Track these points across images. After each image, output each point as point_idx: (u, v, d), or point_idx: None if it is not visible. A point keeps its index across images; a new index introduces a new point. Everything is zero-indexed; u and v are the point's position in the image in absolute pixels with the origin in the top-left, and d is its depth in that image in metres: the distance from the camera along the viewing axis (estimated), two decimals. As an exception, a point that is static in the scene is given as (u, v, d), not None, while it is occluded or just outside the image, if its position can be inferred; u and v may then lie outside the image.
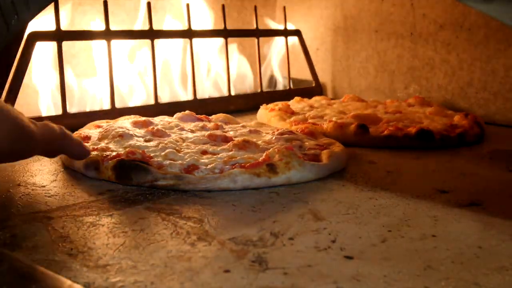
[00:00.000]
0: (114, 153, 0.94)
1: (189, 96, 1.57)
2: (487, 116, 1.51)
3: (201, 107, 1.47)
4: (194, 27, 1.53)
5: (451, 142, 1.21)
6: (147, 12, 1.41)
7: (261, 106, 1.47)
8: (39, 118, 1.22)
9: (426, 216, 0.78)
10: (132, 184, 0.88)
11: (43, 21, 1.27)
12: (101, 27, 1.34)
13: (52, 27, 1.24)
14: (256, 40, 1.69)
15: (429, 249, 0.67)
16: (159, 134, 1.07)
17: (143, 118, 1.17)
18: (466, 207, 0.82)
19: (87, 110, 1.39)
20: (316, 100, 1.57)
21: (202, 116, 1.24)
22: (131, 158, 0.91)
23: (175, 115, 1.24)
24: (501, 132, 1.42)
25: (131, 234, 0.69)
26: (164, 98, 1.55)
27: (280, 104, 1.44)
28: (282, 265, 0.61)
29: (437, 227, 0.73)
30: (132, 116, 1.22)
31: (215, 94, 1.68)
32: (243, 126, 1.20)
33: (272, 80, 1.87)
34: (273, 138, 1.07)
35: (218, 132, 1.11)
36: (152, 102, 1.43)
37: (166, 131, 1.09)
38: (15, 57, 1.17)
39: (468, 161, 1.10)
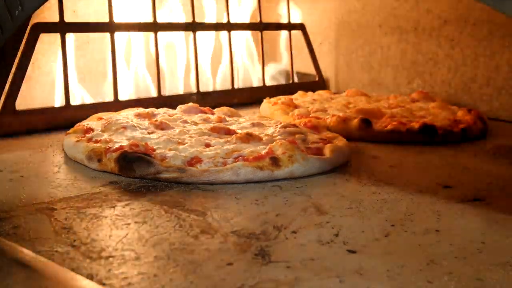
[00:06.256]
0: (117, 145, 0.93)
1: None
2: (491, 111, 1.51)
3: (205, 100, 1.47)
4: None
5: (454, 137, 1.21)
6: (152, 4, 1.40)
7: (264, 100, 1.47)
8: (44, 110, 1.23)
9: (430, 211, 0.78)
10: (135, 177, 0.88)
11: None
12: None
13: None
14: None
15: (432, 244, 0.66)
16: (162, 126, 1.07)
17: (146, 110, 1.17)
18: (469, 202, 0.82)
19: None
20: (319, 94, 1.57)
21: (205, 108, 1.24)
22: (134, 150, 0.91)
23: (178, 107, 1.24)
24: (504, 128, 1.41)
25: (134, 226, 0.69)
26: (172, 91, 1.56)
27: (283, 97, 1.44)
28: (285, 258, 0.61)
29: (440, 222, 0.73)
30: (135, 108, 1.21)
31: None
32: (246, 119, 1.20)
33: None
34: (276, 131, 1.07)
35: (221, 124, 1.11)
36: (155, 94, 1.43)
37: (169, 123, 1.09)
38: (18, 48, 1.16)
39: (471, 157, 1.10)
